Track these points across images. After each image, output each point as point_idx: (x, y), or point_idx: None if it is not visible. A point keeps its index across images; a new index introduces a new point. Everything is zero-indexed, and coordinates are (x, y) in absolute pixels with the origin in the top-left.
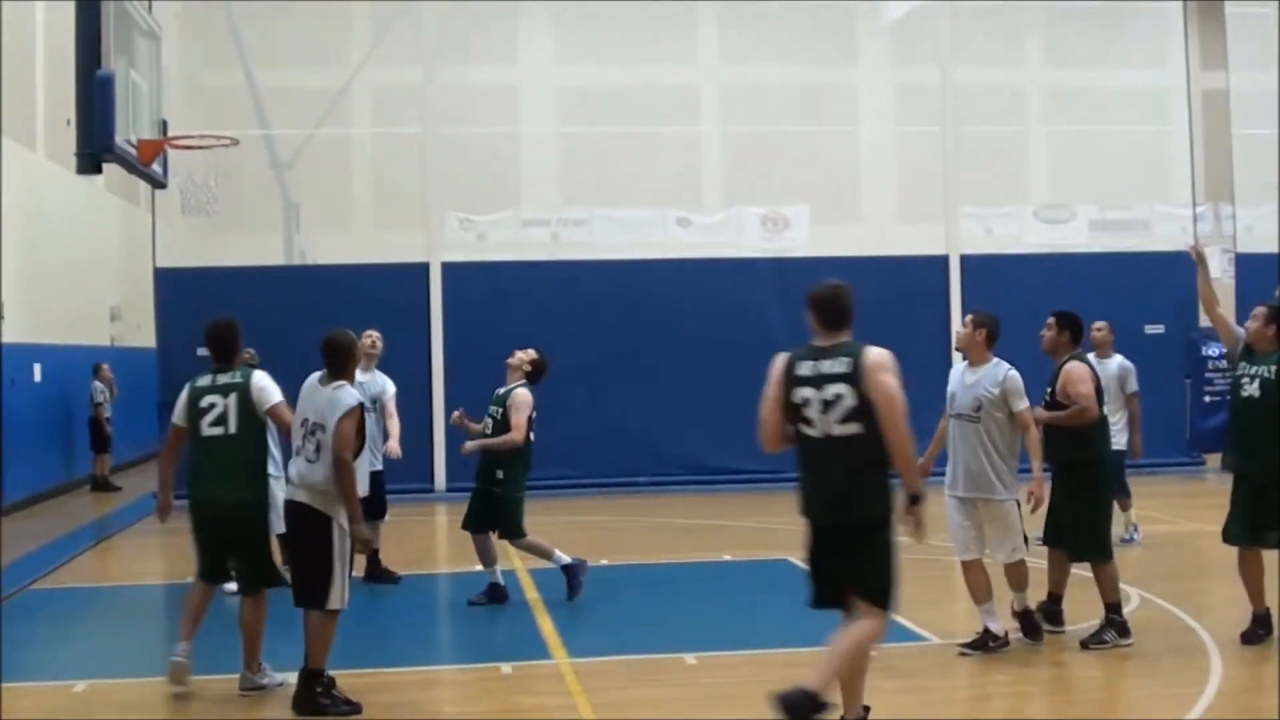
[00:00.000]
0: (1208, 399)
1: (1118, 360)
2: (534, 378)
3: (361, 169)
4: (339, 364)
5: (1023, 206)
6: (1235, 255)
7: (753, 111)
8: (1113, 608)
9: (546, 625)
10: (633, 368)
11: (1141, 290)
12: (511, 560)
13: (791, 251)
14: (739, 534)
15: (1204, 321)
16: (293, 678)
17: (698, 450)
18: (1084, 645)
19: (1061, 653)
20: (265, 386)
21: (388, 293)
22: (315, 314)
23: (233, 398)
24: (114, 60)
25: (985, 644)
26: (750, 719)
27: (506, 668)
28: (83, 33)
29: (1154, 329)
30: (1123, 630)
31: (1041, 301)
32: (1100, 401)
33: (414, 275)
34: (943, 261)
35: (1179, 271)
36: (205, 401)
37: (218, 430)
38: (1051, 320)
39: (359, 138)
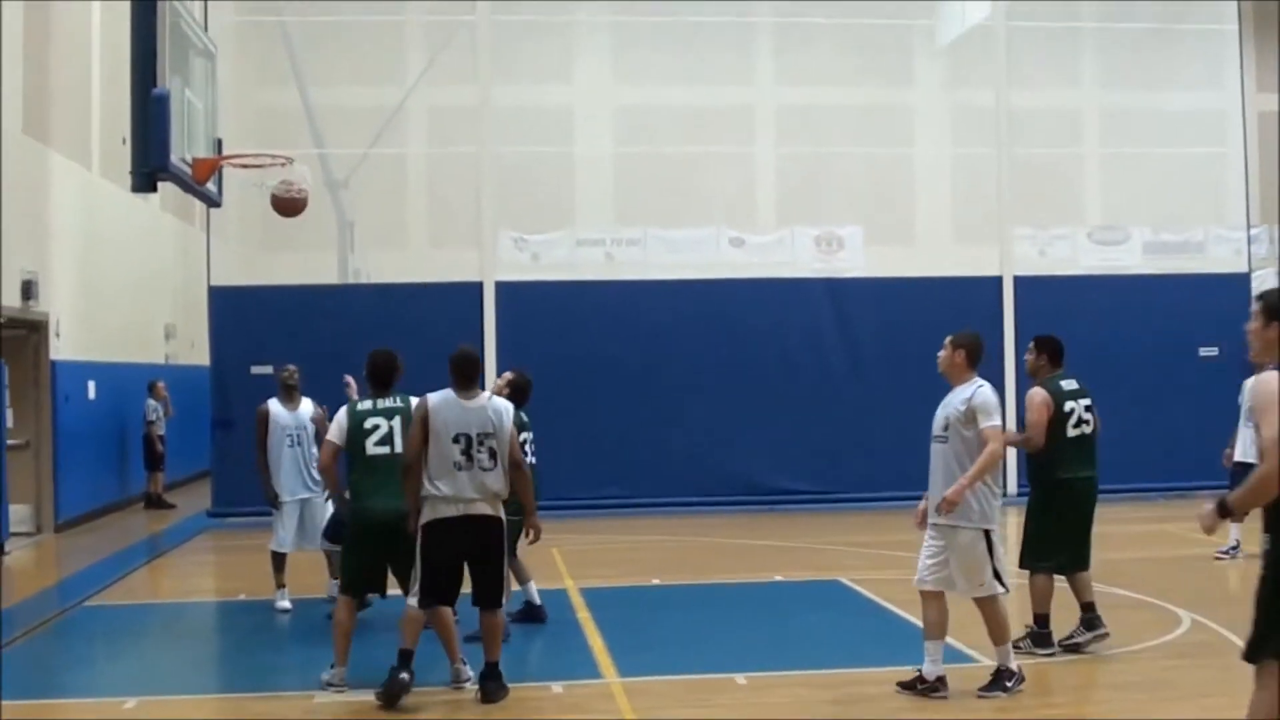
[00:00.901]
0: None
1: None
2: (516, 399)
3: (416, 188)
4: (471, 376)
5: (1077, 228)
6: None
7: (807, 132)
8: (1039, 620)
9: (597, 643)
10: (685, 387)
11: (1195, 312)
12: (563, 580)
13: (845, 272)
14: (790, 554)
15: None
16: None
17: (750, 470)
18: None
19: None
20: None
21: (441, 312)
22: (368, 333)
23: (396, 420)
24: (169, 79)
25: (914, 685)
26: None
27: (557, 687)
28: (138, 51)
29: (1208, 352)
30: (1040, 641)
31: (1096, 323)
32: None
33: (467, 294)
34: (996, 283)
35: (1233, 293)
36: (369, 424)
37: (383, 450)
38: (1031, 344)
39: (414, 157)
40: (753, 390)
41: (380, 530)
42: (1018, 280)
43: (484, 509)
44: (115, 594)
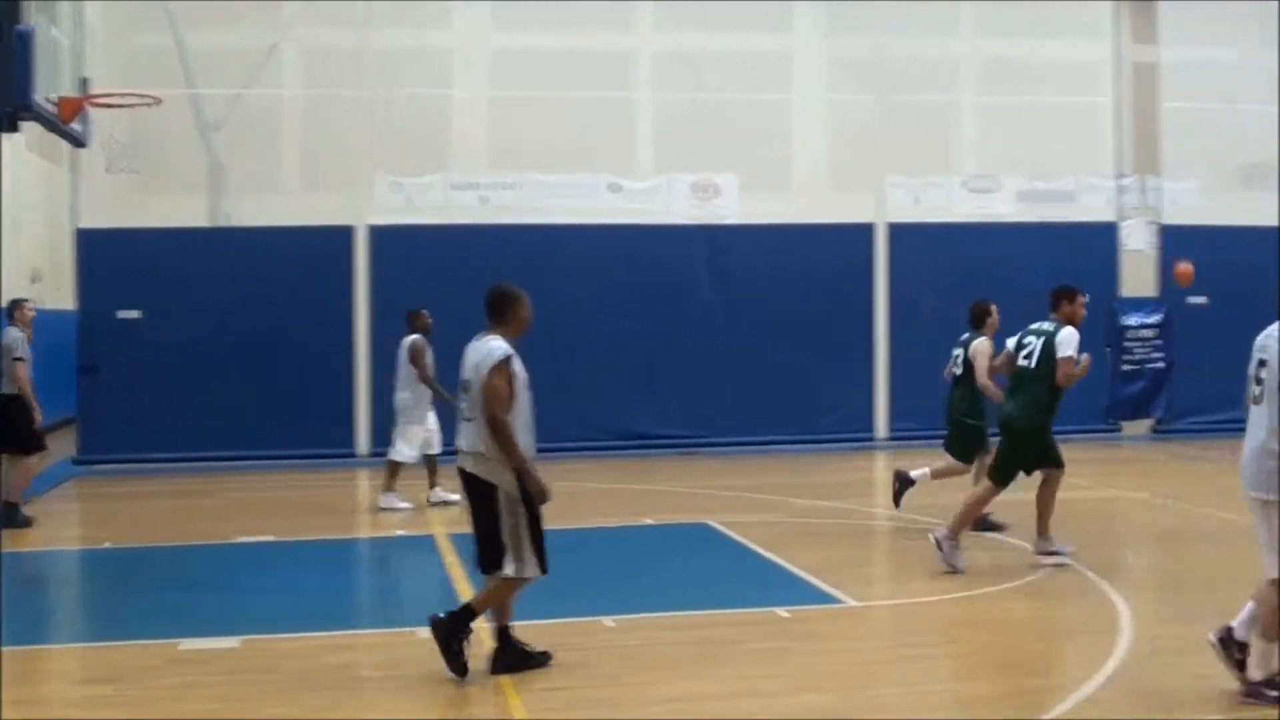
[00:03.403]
0: (1127, 368)
1: None
2: None
3: (290, 131)
4: (490, 313)
5: (951, 176)
6: (1160, 227)
7: (686, 78)
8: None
9: (464, 588)
10: (560, 332)
11: (1066, 260)
12: (431, 525)
13: (722, 219)
14: (661, 498)
15: (1125, 291)
16: None
17: (622, 415)
18: None
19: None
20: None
21: (313, 255)
22: (239, 276)
23: None
24: (33, 16)
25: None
26: (664, 679)
27: (424, 632)
28: None
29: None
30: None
31: (968, 270)
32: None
33: (339, 238)
34: (870, 230)
35: (1103, 242)
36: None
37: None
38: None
39: (289, 99)
40: (627, 336)
41: None
42: (892, 227)
43: (466, 464)
44: None
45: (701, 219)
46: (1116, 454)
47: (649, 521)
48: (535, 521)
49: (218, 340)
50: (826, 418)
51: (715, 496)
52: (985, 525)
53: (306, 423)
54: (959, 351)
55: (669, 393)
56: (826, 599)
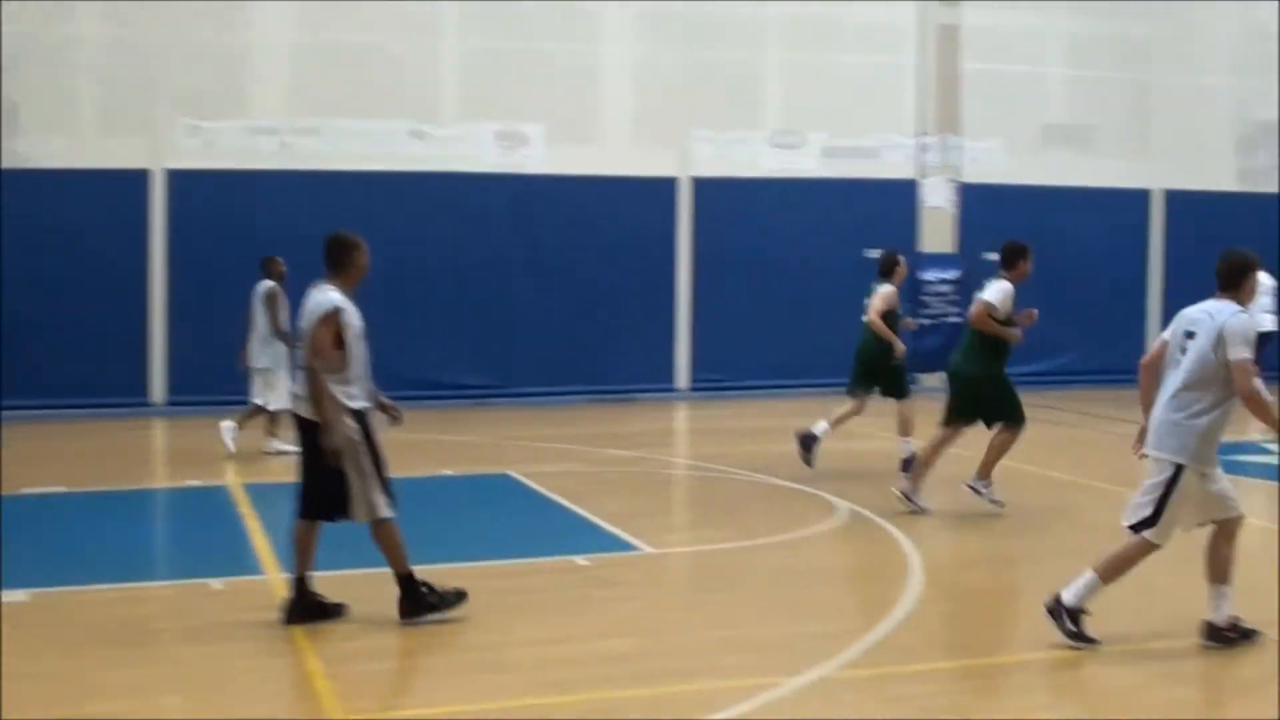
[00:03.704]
0: (925, 322)
1: None
2: None
3: (86, 71)
4: (327, 261)
5: (756, 132)
6: (960, 185)
7: (492, 25)
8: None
9: (259, 540)
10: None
11: (868, 216)
12: (226, 475)
13: (527, 168)
14: (461, 449)
15: (923, 247)
16: None
17: (423, 365)
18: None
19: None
20: None
21: (108, 199)
22: (31, 218)
23: None
24: None
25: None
26: (463, 629)
27: (217, 583)
28: None
29: (876, 253)
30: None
31: (772, 224)
32: None
33: (135, 182)
34: (674, 183)
35: (904, 198)
36: None
37: None
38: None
39: (87, 37)
40: (429, 284)
41: None
42: (697, 181)
43: (302, 409)
44: None
45: (507, 168)
46: (915, 406)
47: (448, 472)
48: (378, 461)
49: (7, 284)
50: (628, 368)
51: (516, 447)
52: (807, 449)
53: (99, 371)
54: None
55: (470, 342)
56: (625, 547)
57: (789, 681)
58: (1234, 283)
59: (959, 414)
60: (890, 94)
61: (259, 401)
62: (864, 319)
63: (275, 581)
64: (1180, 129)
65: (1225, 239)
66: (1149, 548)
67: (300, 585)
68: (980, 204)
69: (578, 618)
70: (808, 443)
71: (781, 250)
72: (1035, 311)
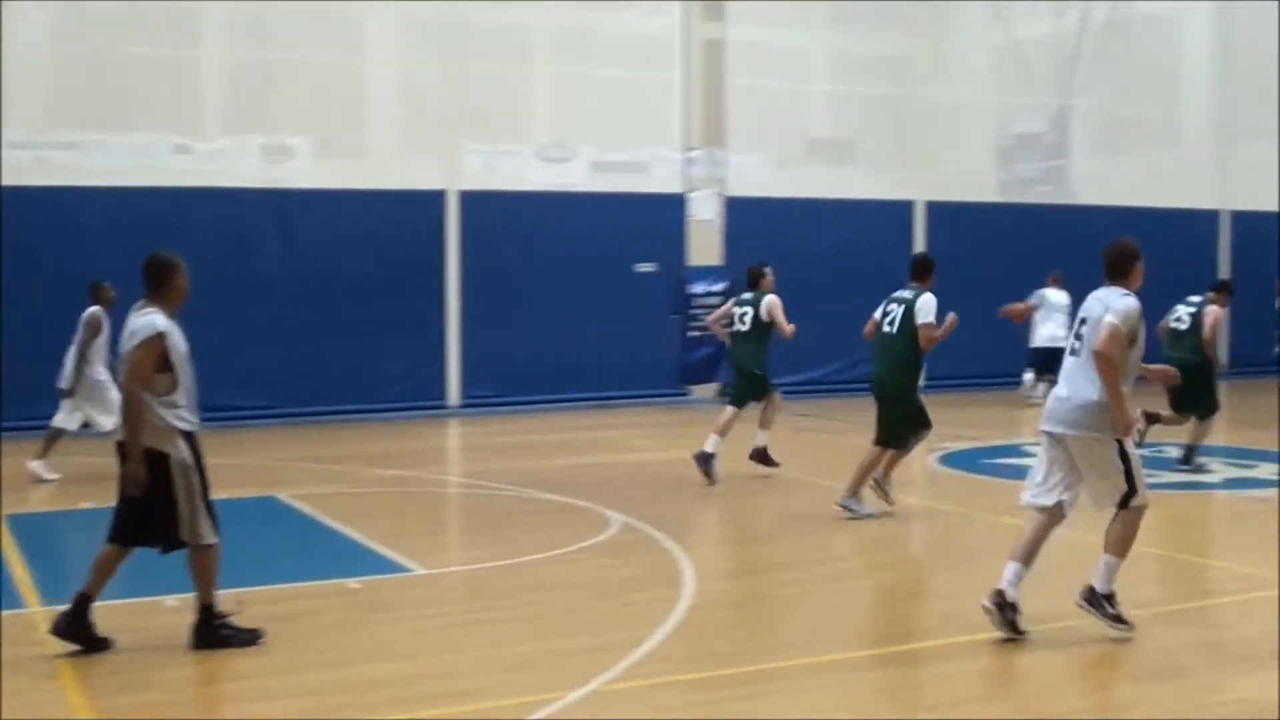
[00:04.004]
0: (694, 334)
1: None
2: None
3: None
4: (153, 285)
5: (525, 145)
6: (727, 198)
7: (254, 37)
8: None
9: (19, 571)
10: (124, 299)
11: (636, 230)
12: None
13: (293, 183)
14: (229, 471)
15: (691, 260)
16: None
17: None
18: None
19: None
20: None
21: None
22: None
23: None
24: None
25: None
26: (230, 656)
27: None
28: None
29: (645, 267)
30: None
31: (543, 239)
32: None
33: None
34: (442, 197)
35: (672, 212)
36: None
37: None
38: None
39: None
40: (194, 302)
41: None
42: (465, 195)
43: (121, 434)
44: None
45: (272, 182)
46: (684, 416)
47: (213, 496)
48: (205, 487)
49: None
50: (398, 386)
51: (284, 468)
52: (763, 460)
53: None
54: (747, 310)
55: (236, 361)
56: (397, 568)
57: (562, 697)
58: (1124, 270)
59: (900, 426)
60: (657, 108)
61: (106, 427)
62: (738, 330)
63: (36, 615)
64: (941, 142)
65: (986, 248)
66: (1142, 512)
67: (81, 605)
68: (746, 217)
69: (349, 642)
70: (705, 462)
71: (551, 264)
72: (956, 317)
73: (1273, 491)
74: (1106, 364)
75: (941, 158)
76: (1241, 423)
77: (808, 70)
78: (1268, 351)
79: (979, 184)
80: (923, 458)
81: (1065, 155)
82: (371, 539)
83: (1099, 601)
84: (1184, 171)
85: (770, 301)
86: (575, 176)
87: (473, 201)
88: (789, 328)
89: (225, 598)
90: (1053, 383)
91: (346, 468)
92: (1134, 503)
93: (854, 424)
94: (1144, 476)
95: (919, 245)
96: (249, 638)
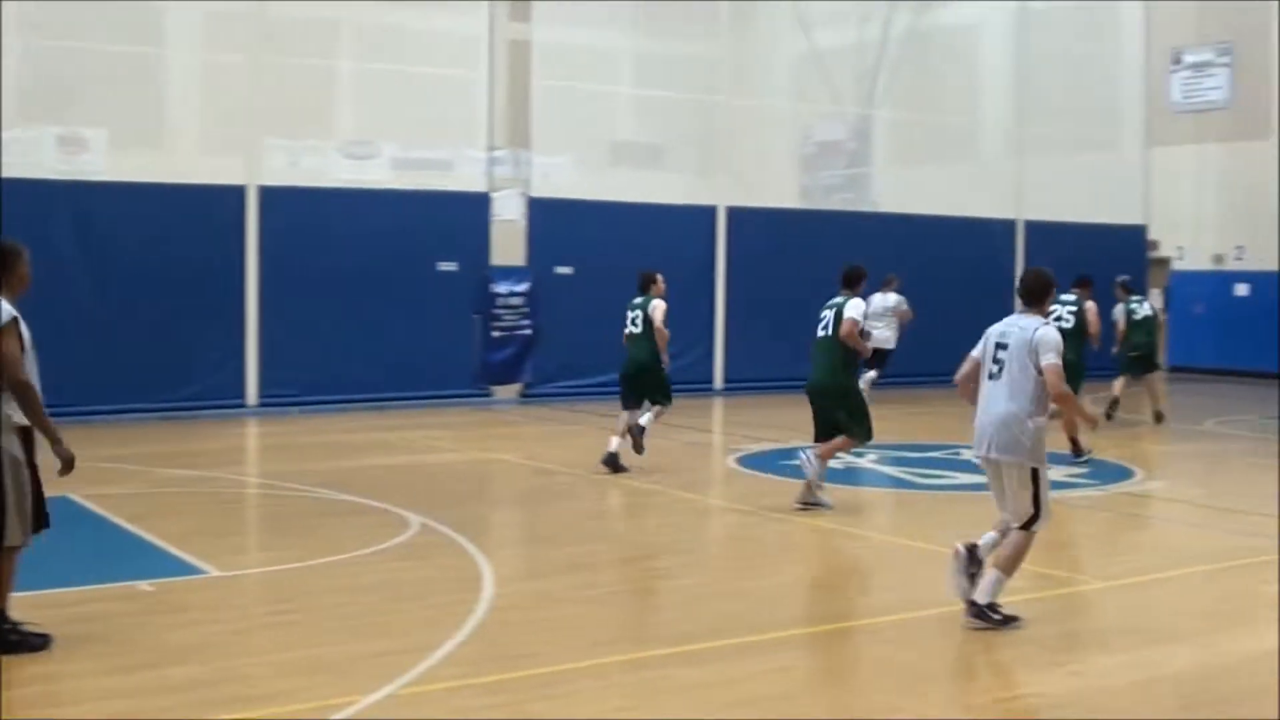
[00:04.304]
0: (497, 334)
1: None
2: None
3: None
4: None
5: (329, 141)
6: (531, 199)
7: (50, 25)
8: None
9: None
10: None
11: (440, 229)
12: None
13: (89, 175)
14: None
15: (495, 260)
16: None
17: None
18: None
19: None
20: None
21: None
22: None
23: None
24: None
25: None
26: (21, 661)
27: None
28: None
29: (448, 266)
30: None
31: (346, 235)
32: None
33: None
34: (243, 192)
35: (476, 211)
36: None
37: None
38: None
39: None
40: None
41: None
42: (266, 190)
43: None
44: None
45: (68, 174)
46: (486, 417)
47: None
48: (37, 485)
49: None
50: (196, 384)
51: (78, 468)
52: (616, 467)
53: None
54: (638, 313)
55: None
56: (192, 570)
57: (358, 701)
58: (1041, 297)
59: (828, 426)
60: (463, 107)
61: None
62: (631, 332)
63: None
64: (745, 148)
65: (787, 254)
66: (1034, 537)
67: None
68: (550, 218)
69: (141, 646)
70: (612, 462)
71: (354, 262)
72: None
73: (1066, 493)
74: (1066, 400)
75: (745, 163)
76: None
77: (614, 73)
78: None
79: (781, 190)
80: (721, 459)
81: (866, 163)
82: (166, 540)
83: (984, 613)
84: (982, 181)
85: (654, 305)
86: (379, 174)
87: (274, 197)
88: (665, 333)
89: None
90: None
91: (142, 467)
92: (1035, 527)
93: (661, 424)
94: (1050, 502)
95: (720, 250)
96: (37, 643)
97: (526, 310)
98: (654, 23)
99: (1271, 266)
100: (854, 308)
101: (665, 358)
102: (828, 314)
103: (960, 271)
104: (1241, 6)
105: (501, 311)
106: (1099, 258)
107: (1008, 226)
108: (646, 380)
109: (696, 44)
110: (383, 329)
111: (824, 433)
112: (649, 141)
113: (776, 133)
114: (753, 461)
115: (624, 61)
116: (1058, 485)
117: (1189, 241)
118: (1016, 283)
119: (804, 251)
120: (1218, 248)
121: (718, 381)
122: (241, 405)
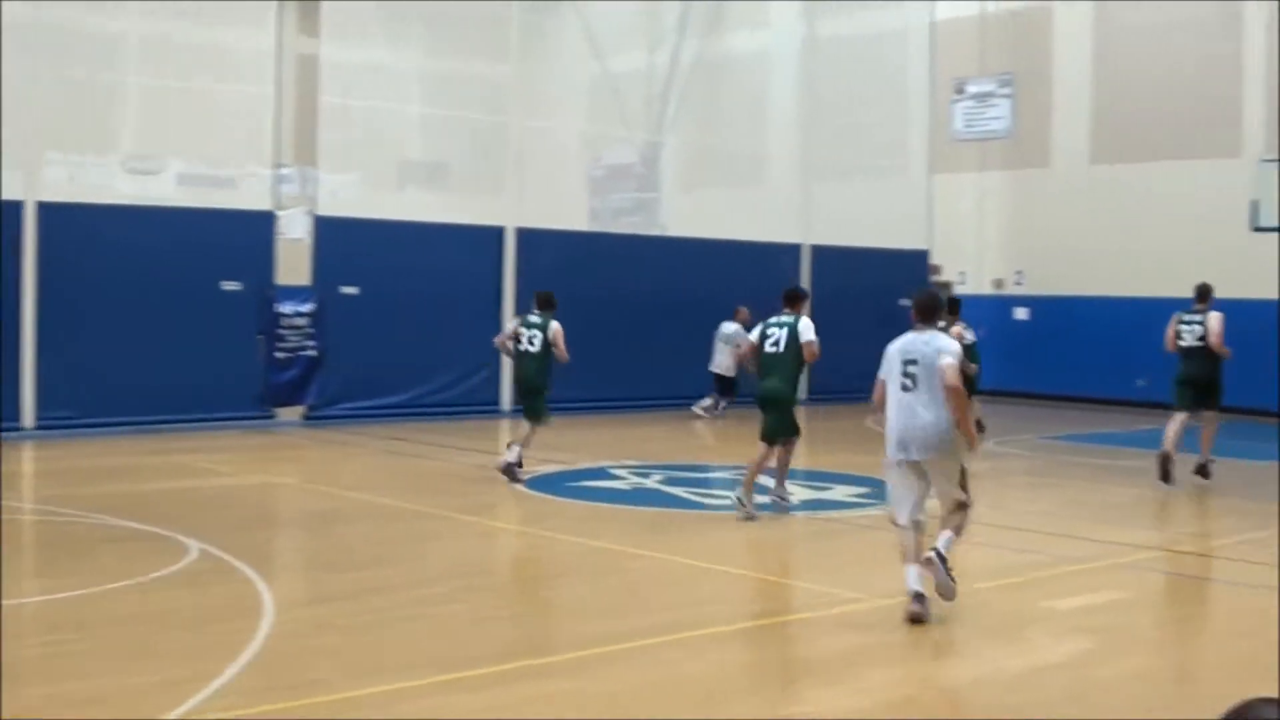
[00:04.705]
0: (281, 355)
1: None
2: None
3: None
4: None
5: (111, 156)
6: (316, 217)
7: None
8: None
9: None
10: None
11: (224, 247)
12: None
13: None
14: None
15: (280, 279)
16: None
17: None
18: None
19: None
20: None
21: None
22: None
23: None
24: None
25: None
26: None
27: None
28: None
29: (231, 285)
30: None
31: (126, 253)
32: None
33: None
34: (20, 208)
35: (261, 229)
36: None
37: None
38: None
39: None
40: None
41: None
42: (44, 206)
43: None
44: None
45: None
46: (269, 440)
47: None
48: None
49: None
50: None
51: None
52: (513, 476)
53: None
54: (536, 332)
55: None
56: None
57: None
58: (935, 314)
59: (777, 432)
60: (249, 123)
61: None
62: (526, 350)
63: None
64: (534, 170)
65: (576, 276)
66: (969, 508)
67: None
68: (337, 237)
69: None
70: (510, 472)
71: (136, 280)
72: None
73: (847, 513)
74: (959, 397)
75: (534, 185)
76: (820, 447)
77: (403, 91)
78: (843, 380)
79: (571, 213)
80: (507, 481)
81: (655, 188)
82: None
83: (943, 558)
84: (769, 206)
85: (554, 327)
86: (162, 190)
87: (52, 213)
88: (565, 355)
89: None
90: (728, 405)
91: None
92: (966, 502)
93: (444, 447)
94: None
95: (509, 271)
96: None
97: (311, 331)
98: (444, 42)
99: (1050, 291)
100: (809, 329)
101: (564, 356)
102: (776, 332)
103: (746, 294)
104: (1023, 39)
105: (286, 332)
106: (883, 281)
107: (793, 250)
108: (535, 400)
109: (486, 64)
110: (164, 350)
111: (770, 434)
112: (438, 161)
113: (566, 155)
114: (539, 484)
115: (413, 80)
116: (839, 505)
117: (971, 267)
118: (910, 302)
119: (593, 273)
120: (998, 273)
121: (505, 403)
122: (17, 428)
